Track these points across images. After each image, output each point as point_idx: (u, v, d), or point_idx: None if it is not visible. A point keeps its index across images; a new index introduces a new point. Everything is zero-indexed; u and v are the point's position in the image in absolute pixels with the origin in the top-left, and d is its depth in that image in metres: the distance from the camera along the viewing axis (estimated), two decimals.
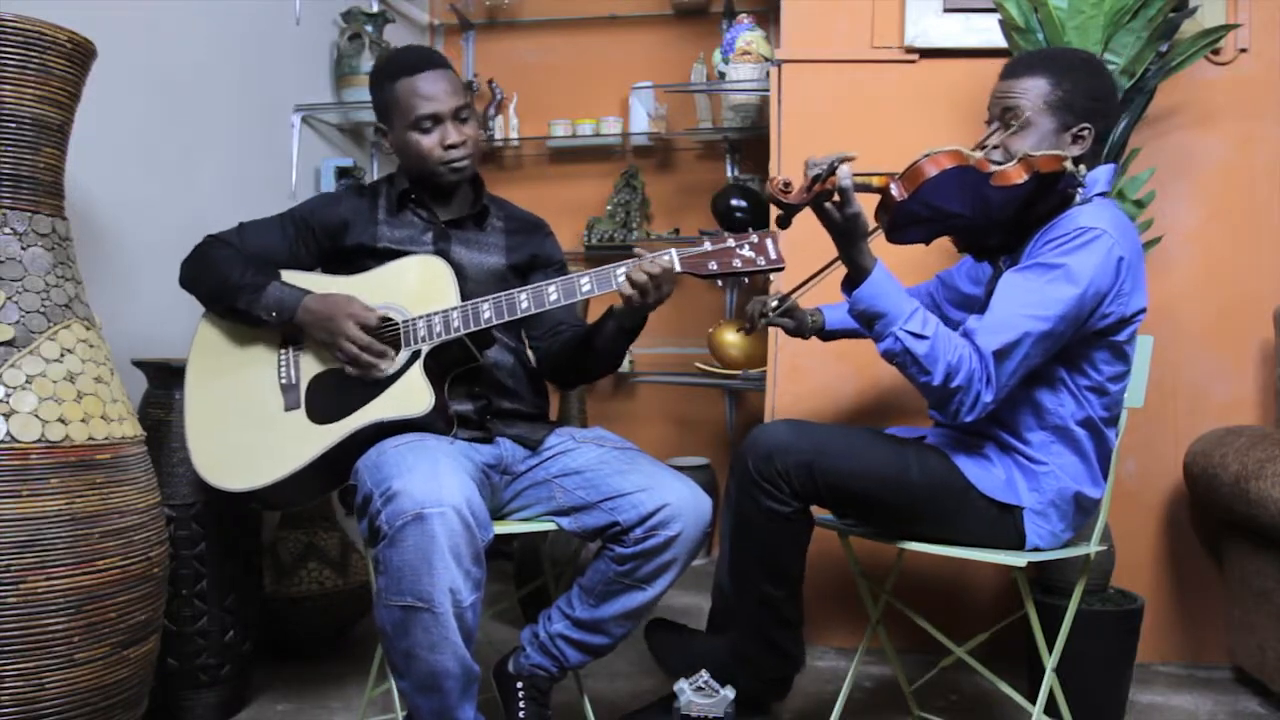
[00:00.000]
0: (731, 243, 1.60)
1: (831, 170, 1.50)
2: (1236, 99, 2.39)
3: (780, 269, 1.60)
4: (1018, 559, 1.59)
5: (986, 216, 1.63)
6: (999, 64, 2.32)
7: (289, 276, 1.78)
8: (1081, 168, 1.59)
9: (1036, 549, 1.66)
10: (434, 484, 1.44)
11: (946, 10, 2.45)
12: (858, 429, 1.78)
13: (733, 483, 1.74)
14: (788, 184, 1.53)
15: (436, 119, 1.75)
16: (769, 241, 1.60)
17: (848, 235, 1.55)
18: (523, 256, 1.90)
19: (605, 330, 1.72)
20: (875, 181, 1.55)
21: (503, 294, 1.66)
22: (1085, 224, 1.57)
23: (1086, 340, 1.62)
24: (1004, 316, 1.56)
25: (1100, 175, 1.72)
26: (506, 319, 1.66)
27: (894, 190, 1.54)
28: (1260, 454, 1.98)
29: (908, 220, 1.60)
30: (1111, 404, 1.69)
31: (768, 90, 2.64)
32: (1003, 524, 1.65)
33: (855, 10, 2.50)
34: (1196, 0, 2.21)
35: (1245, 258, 2.38)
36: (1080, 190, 1.61)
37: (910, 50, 2.48)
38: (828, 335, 2.00)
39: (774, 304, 1.80)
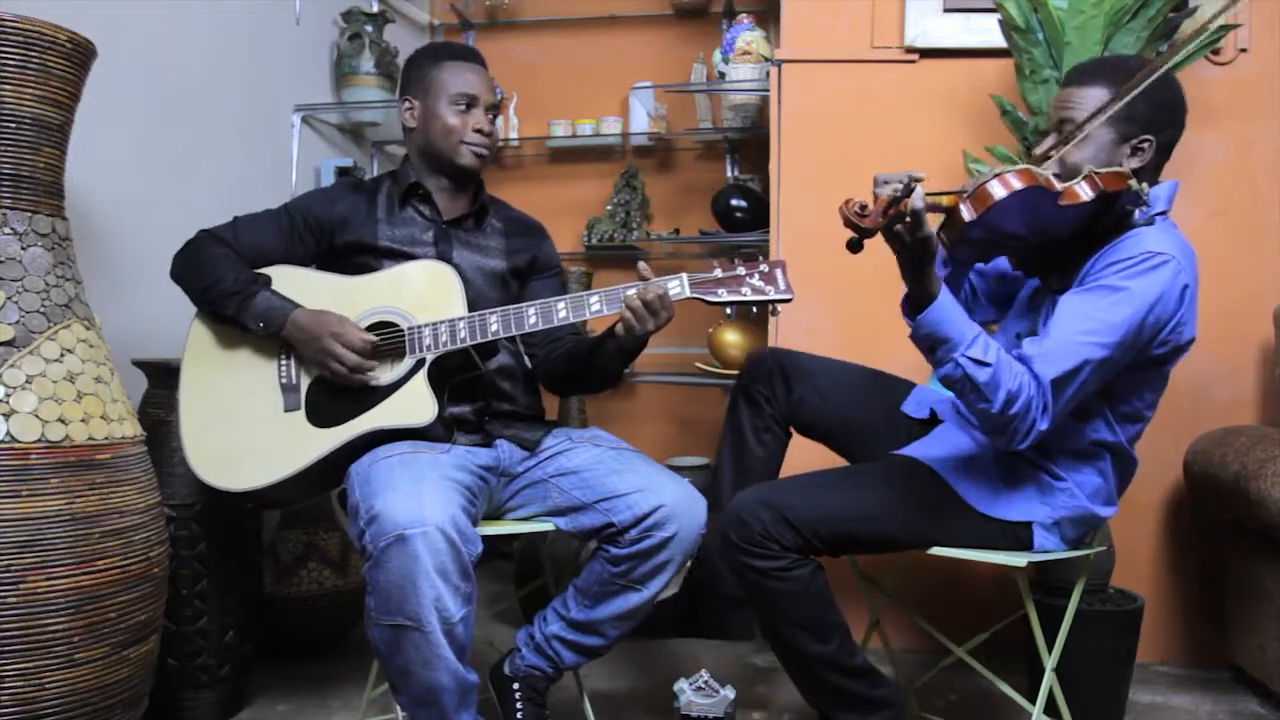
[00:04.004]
0: (742, 271, 1.61)
1: (908, 191, 1.39)
2: (1236, 99, 2.39)
3: (788, 300, 1.59)
4: (1018, 559, 1.59)
5: (1045, 236, 1.55)
6: (999, 64, 2.35)
7: (287, 274, 1.77)
8: (1145, 185, 1.52)
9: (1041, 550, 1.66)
10: (415, 504, 1.43)
11: (946, 10, 2.45)
12: (832, 471, 1.72)
13: (723, 566, 1.67)
14: (864, 207, 1.42)
15: (474, 101, 1.80)
16: (778, 271, 1.61)
17: (917, 259, 1.44)
18: (522, 260, 1.90)
19: (605, 349, 1.72)
20: (944, 201, 1.46)
21: (511, 307, 1.66)
22: (1153, 248, 1.50)
23: (1137, 367, 1.57)
24: (1064, 343, 1.48)
25: (1161, 193, 1.62)
26: (514, 333, 1.66)
27: (964, 211, 1.44)
28: (1260, 454, 1.98)
29: (967, 241, 1.51)
30: (1142, 429, 1.66)
31: (768, 90, 2.64)
32: (1004, 533, 1.64)
33: (855, 10, 2.50)
34: (1196, 0, 2.21)
35: (1245, 258, 2.38)
36: (1144, 209, 1.54)
37: (910, 50, 2.48)
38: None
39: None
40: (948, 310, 1.47)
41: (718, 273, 1.61)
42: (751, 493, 1.61)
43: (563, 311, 1.65)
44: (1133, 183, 1.50)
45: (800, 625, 1.57)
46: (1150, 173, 1.63)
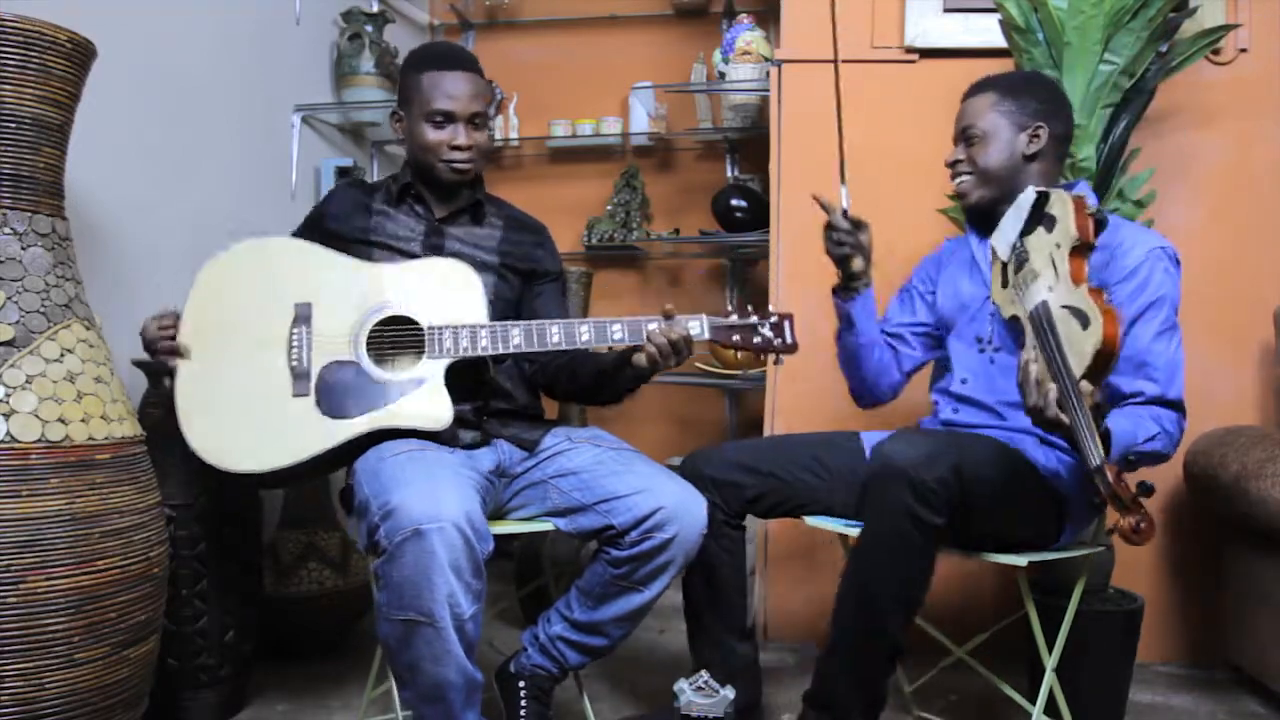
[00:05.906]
0: (754, 320, 1.71)
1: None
2: (1236, 99, 2.39)
3: (792, 352, 1.70)
4: (1018, 559, 1.59)
5: None
6: (999, 64, 2.33)
7: (314, 249, 1.78)
8: (1100, 206, 1.62)
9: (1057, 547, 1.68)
10: (432, 499, 1.43)
11: (946, 10, 2.46)
12: (944, 434, 1.72)
13: (870, 509, 1.58)
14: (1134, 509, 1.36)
15: (450, 117, 1.76)
16: (787, 325, 1.71)
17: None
18: (519, 259, 1.88)
19: (623, 376, 1.72)
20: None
21: (534, 323, 1.67)
22: (1150, 244, 1.68)
23: None
24: (1170, 363, 1.66)
25: (1085, 193, 1.72)
26: (535, 349, 1.67)
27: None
28: (1260, 454, 1.98)
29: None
30: None
31: (768, 90, 2.65)
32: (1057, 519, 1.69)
33: (855, 10, 2.50)
34: (1196, 0, 2.21)
35: (1245, 258, 2.38)
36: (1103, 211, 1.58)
37: (910, 50, 2.48)
38: (848, 305, 1.90)
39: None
40: (1124, 429, 1.52)
41: (734, 319, 1.70)
42: (911, 442, 1.56)
43: (585, 335, 1.67)
44: (1090, 207, 1.52)
45: (901, 588, 1.54)
46: (1052, 164, 1.79)
